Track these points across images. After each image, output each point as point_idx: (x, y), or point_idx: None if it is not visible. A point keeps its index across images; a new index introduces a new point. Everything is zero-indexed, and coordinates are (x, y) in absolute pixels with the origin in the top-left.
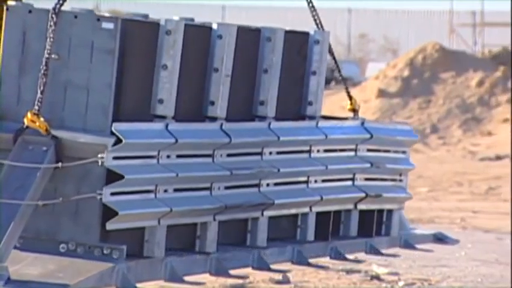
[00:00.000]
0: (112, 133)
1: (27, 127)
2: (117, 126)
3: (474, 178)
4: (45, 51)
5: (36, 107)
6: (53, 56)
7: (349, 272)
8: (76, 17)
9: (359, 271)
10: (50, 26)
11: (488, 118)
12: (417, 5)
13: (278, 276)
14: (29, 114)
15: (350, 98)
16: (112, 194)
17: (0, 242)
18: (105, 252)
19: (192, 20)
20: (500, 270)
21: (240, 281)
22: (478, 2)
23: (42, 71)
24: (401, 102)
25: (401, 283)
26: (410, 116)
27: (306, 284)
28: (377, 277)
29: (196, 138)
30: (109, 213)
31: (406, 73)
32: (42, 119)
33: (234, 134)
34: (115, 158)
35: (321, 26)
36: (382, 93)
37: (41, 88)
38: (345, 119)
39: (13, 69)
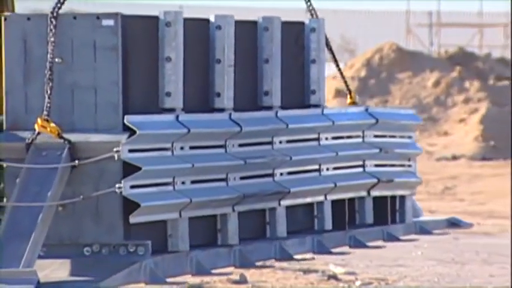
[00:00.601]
0: (125, 129)
1: (38, 133)
2: (129, 119)
3: (431, 178)
4: (48, 56)
5: (46, 112)
6: (56, 59)
7: (306, 271)
8: (75, 17)
9: (316, 271)
10: (50, 30)
11: (445, 118)
12: (375, 5)
13: (236, 276)
14: (39, 120)
15: (350, 91)
16: (132, 187)
17: (26, 247)
18: (130, 249)
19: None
20: (457, 270)
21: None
22: (435, 2)
23: (47, 76)
24: (358, 103)
25: (358, 283)
26: None
27: (264, 284)
28: (334, 277)
29: (207, 127)
30: (130, 210)
31: (363, 73)
32: (52, 123)
33: (244, 123)
34: (131, 150)
35: (315, 14)
36: (339, 94)
37: (48, 93)
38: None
39: (18, 79)
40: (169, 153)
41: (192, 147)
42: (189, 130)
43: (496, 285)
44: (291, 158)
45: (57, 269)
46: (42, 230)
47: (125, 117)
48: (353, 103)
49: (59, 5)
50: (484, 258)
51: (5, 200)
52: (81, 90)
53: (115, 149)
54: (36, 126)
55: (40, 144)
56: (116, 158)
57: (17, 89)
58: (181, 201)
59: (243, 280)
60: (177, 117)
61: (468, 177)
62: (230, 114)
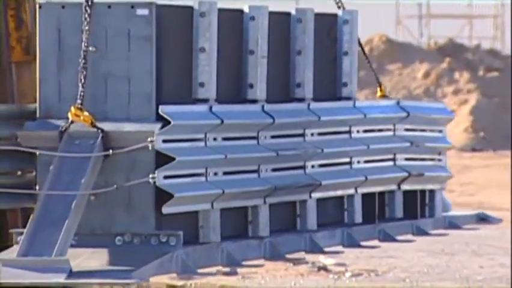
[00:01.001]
0: (158, 119)
1: (72, 122)
2: (163, 109)
3: None
4: (83, 45)
5: (79, 101)
6: (90, 48)
7: (296, 263)
8: (109, 7)
9: (306, 262)
10: (85, 18)
11: None
12: None
13: (226, 268)
14: (72, 109)
15: (380, 84)
16: (165, 177)
17: (58, 237)
18: (162, 240)
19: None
20: (446, 261)
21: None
22: None
23: (81, 65)
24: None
25: (348, 274)
26: None
27: (254, 275)
28: (324, 268)
29: (240, 119)
30: (162, 200)
31: None
32: (86, 112)
33: (276, 115)
34: (165, 141)
35: (342, 5)
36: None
37: (82, 82)
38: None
39: (51, 67)
40: (202, 143)
41: (224, 139)
42: (222, 121)
43: (486, 276)
44: (322, 151)
45: (89, 258)
46: (75, 219)
47: (160, 107)
48: (383, 96)
49: None
50: (473, 250)
51: (37, 187)
52: (114, 80)
53: (149, 139)
54: (69, 115)
55: (73, 133)
56: (150, 147)
57: (50, 77)
58: (213, 192)
59: (233, 272)
60: (210, 108)
61: (458, 168)
62: (263, 106)
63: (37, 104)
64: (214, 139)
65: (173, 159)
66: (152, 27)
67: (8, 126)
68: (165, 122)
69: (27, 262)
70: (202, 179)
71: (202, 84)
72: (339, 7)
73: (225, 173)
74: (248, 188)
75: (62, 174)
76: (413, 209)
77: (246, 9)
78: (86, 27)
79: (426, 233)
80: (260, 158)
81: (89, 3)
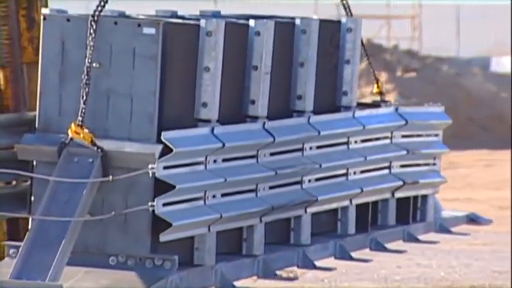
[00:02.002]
0: (159, 141)
1: (71, 139)
2: (166, 135)
3: None
4: (86, 60)
5: (80, 118)
6: (94, 64)
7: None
8: (115, 23)
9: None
10: (90, 33)
11: None
12: None
13: None
14: (73, 126)
15: (377, 81)
16: (164, 204)
17: (53, 259)
18: (157, 263)
19: (176, 13)
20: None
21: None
22: None
23: (84, 80)
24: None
25: None
26: None
27: None
28: None
29: (242, 140)
30: (158, 223)
31: None
32: (86, 130)
33: (277, 132)
34: (166, 167)
35: (350, 13)
36: None
37: (84, 98)
38: (378, 105)
39: (53, 80)
40: (202, 167)
41: (224, 160)
42: (224, 144)
43: (403, 276)
44: (320, 166)
45: (82, 280)
46: (70, 241)
47: (162, 133)
48: (380, 92)
49: (100, 8)
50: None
51: (33, 198)
52: (117, 97)
53: (150, 166)
54: (69, 132)
55: (72, 150)
56: (150, 175)
57: (51, 90)
58: (211, 217)
59: None
60: (212, 130)
61: None
62: (264, 124)
63: (36, 116)
64: (214, 161)
65: (172, 185)
66: (158, 47)
67: (7, 135)
68: (166, 144)
69: (20, 285)
70: (201, 203)
71: (205, 105)
72: (347, 14)
73: (223, 195)
74: (246, 209)
75: (58, 193)
76: (405, 215)
77: (252, 24)
78: (91, 43)
79: (416, 240)
80: (259, 177)
81: (95, 18)
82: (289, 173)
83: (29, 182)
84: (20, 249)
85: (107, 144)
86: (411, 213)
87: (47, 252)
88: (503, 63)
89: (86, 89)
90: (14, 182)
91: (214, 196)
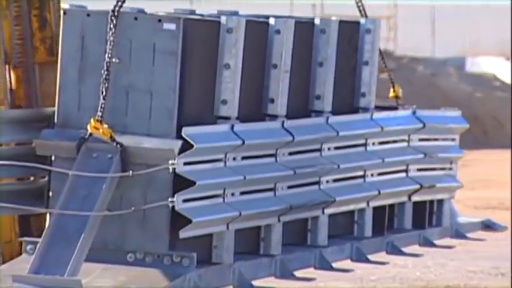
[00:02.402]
0: (178, 137)
1: (90, 134)
2: (186, 131)
3: None
4: (106, 55)
5: (99, 113)
6: (114, 59)
7: None
8: (136, 18)
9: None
10: (110, 29)
11: None
12: None
13: None
14: (92, 121)
15: (393, 85)
16: (184, 201)
17: (72, 255)
18: (175, 260)
19: (194, 12)
20: None
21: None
22: None
23: (104, 76)
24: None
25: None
26: None
27: None
28: None
29: (261, 138)
30: (177, 219)
31: None
32: (106, 125)
33: (296, 131)
34: (186, 163)
35: (365, 14)
36: None
37: (104, 93)
38: (395, 108)
39: (73, 75)
40: (221, 164)
41: (244, 158)
42: (244, 142)
43: (379, 276)
44: (338, 166)
45: (100, 276)
46: (89, 237)
47: (183, 129)
48: (396, 97)
49: (120, 3)
50: None
51: (51, 194)
52: (136, 93)
53: (170, 162)
54: (88, 127)
55: (91, 146)
56: (170, 170)
57: (71, 85)
58: (230, 214)
59: None
60: (232, 127)
61: None
62: (283, 123)
63: (55, 111)
64: (234, 159)
65: (192, 180)
66: (178, 42)
67: (25, 130)
68: (186, 140)
69: (39, 280)
70: (220, 200)
71: (224, 102)
72: (362, 15)
73: (242, 193)
74: (264, 208)
75: (77, 189)
76: (421, 219)
77: (272, 22)
78: (111, 38)
79: (432, 244)
80: (277, 176)
81: (116, 13)
82: (307, 173)
83: (46, 178)
84: (38, 245)
85: (126, 140)
86: (427, 217)
87: (65, 247)
88: (478, 63)
89: (106, 85)
90: (31, 178)
91: (233, 194)
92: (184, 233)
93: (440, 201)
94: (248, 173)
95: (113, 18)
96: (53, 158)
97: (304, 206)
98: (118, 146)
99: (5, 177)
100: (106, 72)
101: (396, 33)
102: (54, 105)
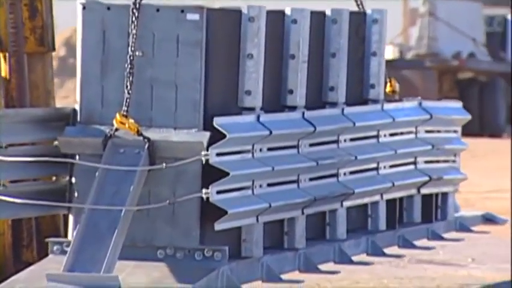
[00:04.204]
0: (205, 128)
1: (116, 129)
2: (218, 121)
3: None
4: (129, 49)
5: (125, 108)
6: (137, 53)
7: None
8: (158, 10)
9: None
10: (132, 21)
11: None
12: None
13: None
14: (118, 116)
15: (390, 80)
16: (218, 192)
17: (106, 252)
18: (206, 254)
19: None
20: None
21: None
22: None
23: (128, 70)
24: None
25: None
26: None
27: None
28: None
29: (286, 128)
30: (207, 214)
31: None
32: (132, 120)
33: (316, 122)
34: (218, 154)
35: (362, 5)
36: None
37: (128, 87)
38: (400, 100)
39: (94, 71)
40: (249, 155)
41: (269, 149)
42: (271, 132)
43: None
44: (356, 158)
45: (133, 273)
46: (122, 234)
47: (214, 119)
48: (393, 91)
49: None
50: None
51: (76, 194)
52: (161, 86)
53: (203, 153)
54: (114, 122)
55: (118, 141)
56: (203, 161)
57: (93, 81)
58: (261, 206)
59: None
60: (258, 117)
61: None
62: (303, 113)
63: (78, 108)
64: (260, 150)
65: (222, 172)
66: (202, 33)
67: (43, 129)
68: (213, 132)
69: (75, 278)
70: (249, 192)
71: (248, 92)
72: (359, 8)
73: (269, 185)
74: (291, 200)
75: (106, 185)
76: (428, 213)
77: (288, 12)
78: (133, 31)
79: (441, 238)
80: (301, 168)
81: (137, 5)
82: (328, 165)
83: (67, 179)
84: (71, 243)
85: (153, 134)
86: (434, 211)
87: (99, 244)
88: None
89: (130, 79)
90: (53, 178)
91: (261, 186)
92: (219, 225)
93: (445, 194)
94: (275, 164)
95: (134, 10)
96: (77, 157)
97: (326, 198)
98: (146, 140)
99: (26, 177)
100: (129, 66)
101: None
102: (42, 96)
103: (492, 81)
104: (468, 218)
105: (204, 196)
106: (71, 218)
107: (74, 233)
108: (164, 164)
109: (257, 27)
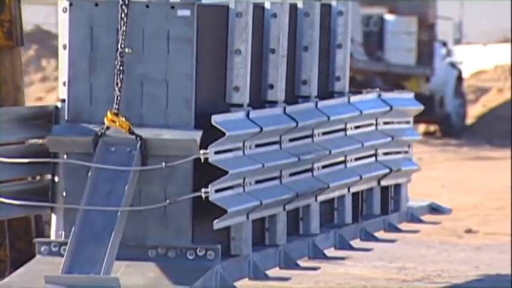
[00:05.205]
0: (197, 126)
1: (107, 128)
2: (216, 119)
3: None
4: (119, 46)
5: (116, 106)
6: (126, 49)
7: None
8: (147, 6)
9: None
10: (121, 18)
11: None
12: None
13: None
14: (109, 114)
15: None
16: (216, 191)
17: (104, 252)
18: (199, 254)
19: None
20: None
21: None
22: None
23: (117, 67)
24: None
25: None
26: None
27: None
28: None
29: (272, 125)
30: (198, 213)
31: None
32: (122, 118)
33: (298, 117)
34: (216, 152)
35: None
36: None
37: (119, 85)
38: (360, 92)
39: (83, 68)
40: (241, 153)
41: (256, 146)
42: (262, 129)
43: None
44: (330, 152)
45: (127, 274)
46: (119, 233)
47: (212, 117)
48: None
49: None
50: None
51: (64, 193)
52: (151, 83)
53: (202, 151)
54: (105, 120)
55: (109, 140)
56: (202, 160)
57: (81, 79)
58: (253, 204)
59: None
60: (248, 114)
61: None
62: (285, 109)
63: (66, 106)
64: (250, 147)
65: (213, 170)
66: (193, 29)
67: (26, 128)
68: (205, 130)
69: (74, 279)
70: (241, 190)
71: (237, 89)
72: None
73: (256, 182)
74: (277, 196)
75: (99, 185)
76: (385, 204)
77: (268, 5)
78: (123, 27)
79: (398, 230)
80: (284, 164)
81: (126, 2)
82: (307, 160)
83: (49, 178)
84: (68, 244)
85: (144, 133)
86: (390, 203)
87: (96, 245)
88: None
89: (121, 76)
90: (38, 177)
91: (250, 184)
92: (218, 224)
93: (398, 186)
94: (264, 160)
95: (123, 7)
96: (64, 156)
97: (306, 193)
98: (138, 138)
99: (9, 177)
100: (119, 63)
101: None
102: (11, 91)
103: (369, 80)
104: (417, 208)
105: (203, 195)
106: (54, 217)
107: (71, 234)
108: (163, 164)
109: (245, 22)
